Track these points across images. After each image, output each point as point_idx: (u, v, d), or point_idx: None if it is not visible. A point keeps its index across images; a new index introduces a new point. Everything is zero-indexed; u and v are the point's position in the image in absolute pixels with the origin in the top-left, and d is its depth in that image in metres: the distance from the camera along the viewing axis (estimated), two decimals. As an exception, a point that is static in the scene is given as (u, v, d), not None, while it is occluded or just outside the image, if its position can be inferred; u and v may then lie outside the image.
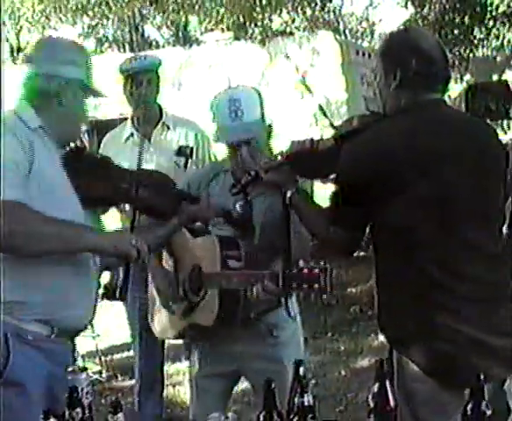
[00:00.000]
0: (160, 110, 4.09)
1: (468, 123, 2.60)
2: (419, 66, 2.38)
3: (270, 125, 2.96)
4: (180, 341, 4.96)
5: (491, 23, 10.13)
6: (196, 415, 3.11)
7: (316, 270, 2.42)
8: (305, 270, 2.45)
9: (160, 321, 3.14)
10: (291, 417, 2.03)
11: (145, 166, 3.93)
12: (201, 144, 4.06)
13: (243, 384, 3.64)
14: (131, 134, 4.06)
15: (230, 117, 2.82)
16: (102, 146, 4.22)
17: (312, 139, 2.59)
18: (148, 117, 4.03)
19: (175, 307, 3.01)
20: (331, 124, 2.84)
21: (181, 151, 3.88)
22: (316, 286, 2.43)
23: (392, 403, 2.02)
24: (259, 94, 2.94)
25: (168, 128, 4.03)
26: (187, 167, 3.89)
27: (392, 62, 2.40)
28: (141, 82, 3.95)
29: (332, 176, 2.53)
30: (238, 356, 3.01)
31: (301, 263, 2.48)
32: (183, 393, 5.20)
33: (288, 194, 2.59)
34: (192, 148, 3.96)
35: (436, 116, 2.43)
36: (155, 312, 3.16)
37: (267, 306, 2.95)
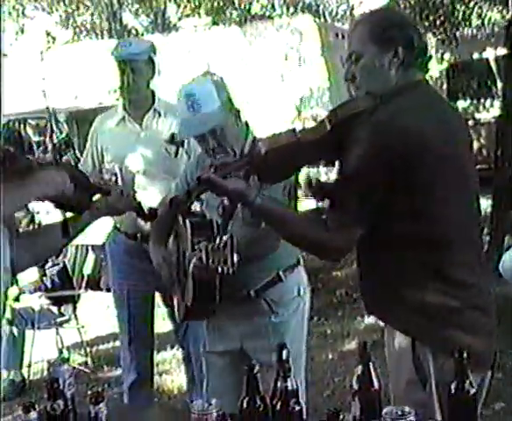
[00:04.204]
0: (153, 95, 4.03)
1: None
2: (419, 44, 2.33)
3: (237, 109, 2.98)
4: (165, 329, 5.00)
5: (472, 2, 10.13)
6: (209, 392, 3.14)
7: (221, 244, 2.42)
8: (215, 245, 2.46)
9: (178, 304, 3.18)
10: (274, 401, 2.01)
11: (135, 152, 3.95)
12: None
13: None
14: (123, 118, 4.01)
15: (188, 111, 2.87)
16: (92, 129, 4.15)
17: (294, 130, 2.40)
18: (139, 102, 3.99)
19: (178, 290, 3.05)
20: None
21: (173, 138, 3.84)
22: (222, 260, 2.41)
23: (376, 385, 2.01)
24: (217, 82, 2.96)
25: (160, 115, 3.99)
26: (177, 156, 3.85)
27: (391, 40, 2.30)
28: (132, 68, 3.89)
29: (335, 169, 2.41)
30: (242, 334, 3.06)
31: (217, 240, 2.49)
32: (170, 381, 5.20)
33: (257, 202, 2.33)
34: None
35: (434, 98, 2.42)
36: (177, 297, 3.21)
37: (265, 282, 3.00)
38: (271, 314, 3.03)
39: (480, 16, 10.52)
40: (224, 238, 2.45)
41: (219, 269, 2.48)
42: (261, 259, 2.94)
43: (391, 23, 2.34)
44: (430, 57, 2.42)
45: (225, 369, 3.13)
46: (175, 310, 3.27)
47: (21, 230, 2.64)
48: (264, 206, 2.34)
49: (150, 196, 3.67)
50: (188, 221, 2.90)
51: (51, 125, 8.68)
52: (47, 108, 8.87)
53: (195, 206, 3.50)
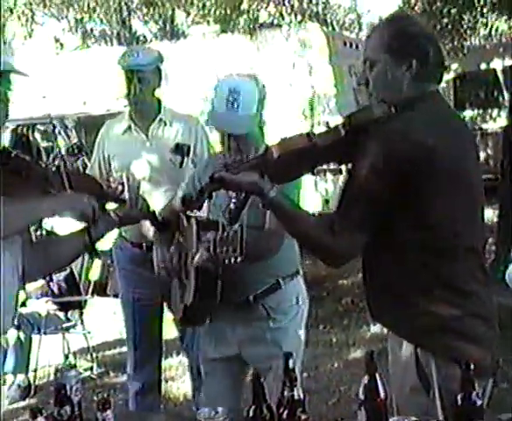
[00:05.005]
0: (159, 104, 4.04)
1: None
2: (435, 57, 2.32)
3: (264, 121, 2.98)
4: (171, 336, 4.99)
5: (479, 12, 10.11)
6: (206, 399, 3.15)
7: (231, 233, 2.43)
8: (224, 234, 2.48)
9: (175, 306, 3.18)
10: (281, 410, 2.02)
11: (141, 162, 3.95)
12: (199, 140, 3.99)
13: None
14: (129, 127, 4.02)
15: (226, 106, 2.84)
16: (99, 136, 4.15)
17: (308, 134, 2.41)
18: (145, 111, 3.99)
19: (177, 291, 3.05)
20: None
21: (177, 148, 3.83)
22: (230, 249, 2.43)
23: (382, 394, 2.01)
24: (260, 86, 2.93)
25: (165, 124, 3.99)
26: (182, 166, 3.85)
27: (405, 52, 2.30)
28: (139, 78, 3.89)
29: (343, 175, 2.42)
30: (239, 340, 3.06)
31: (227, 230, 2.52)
32: (176, 388, 5.20)
33: (271, 194, 2.32)
34: (189, 146, 3.91)
35: (445, 110, 2.43)
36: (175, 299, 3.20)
37: (265, 288, 3.01)
38: (269, 320, 3.03)
39: (486, 26, 10.49)
40: (235, 227, 2.46)
41: (227, 259, 2.48)
42: (263, 260, 2.93)
43: (408, 35, 2.33)
44: (445, 68, 2.43)
45: (222, 376, 3.13)
46: (173, 313, 3.28)
47: (34, 240, 2.65)
48: (277, 200, 2.34)
49: (154, 201, 3.68)
50: (193, 219, 2.90)
51: (66, 131, 8.71)
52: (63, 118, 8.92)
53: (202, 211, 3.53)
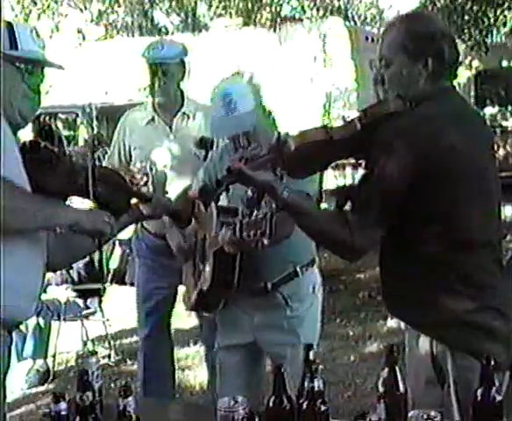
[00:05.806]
0: (183, 96, 4.05)
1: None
2: (450, 55, 2.34)
3: (269, 110, 2.99)
4: (188, 325, 5.03)
5: (500, 9, 10.06)
6: (220, 389, 3.15)
7: (260, 216, 2.45)
8: (252, 218, 2.47)
9: (188, 293, 3.19)
10: (301, 401, 2.03)
11: (163, 151, 3.97)
12: None
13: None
14: (153, 119, 4.02)
15: (223, 111, 2.86)
16: (119, 126, 4.14)
17: (325, 127, 2.44)
18: (169, 104, 3.99)
19: (191, 277, 3.07)
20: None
21: (201, 142, 3.85)
22: (259, 232, 2.41)
23: (402, 388, 2.01)
24: (252, 82, 2.99)
25: (189, 117, 4.00)
26: (206, 160, 3.87)
27: (421, 50, 2.31)
28: (163, 71, 3.90)
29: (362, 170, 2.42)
30: (256, 327, 3.07)
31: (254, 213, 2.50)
32: (193, 377, 5.22)
33: (284, 195, 2.33)
34: (213, 140, 3.92)
35: (459, 105, 2.43)
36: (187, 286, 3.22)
37: (282, 276, 3.02)
38: (286, 308, 3.05)
39: (504, 24, 10.44)
40: (264, 210, 2.47)
41: (253, 242, 2.49)
42: (276, 244, 2.81)
43: (423, 34, 2.34)
44: (460, 64, 2.44)
45: (238, 367, 3.14)
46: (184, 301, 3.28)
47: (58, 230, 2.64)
48: (290, 200, 2.34)
49: (174, 190, 3.70)
50: (213, 205, 2.92)
51: (88, 121, 8.75)
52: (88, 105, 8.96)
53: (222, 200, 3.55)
